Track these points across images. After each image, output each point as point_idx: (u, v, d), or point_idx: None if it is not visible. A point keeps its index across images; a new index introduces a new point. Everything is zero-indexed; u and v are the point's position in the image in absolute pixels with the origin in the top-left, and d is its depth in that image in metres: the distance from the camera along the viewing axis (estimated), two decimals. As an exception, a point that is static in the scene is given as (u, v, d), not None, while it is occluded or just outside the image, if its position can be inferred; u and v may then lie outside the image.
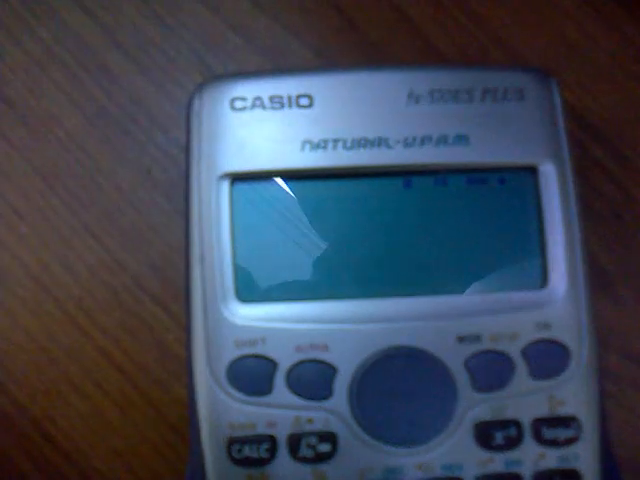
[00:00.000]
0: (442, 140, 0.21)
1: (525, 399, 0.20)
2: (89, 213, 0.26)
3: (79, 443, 0.25)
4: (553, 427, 0.20)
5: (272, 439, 0.20)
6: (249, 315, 0.20)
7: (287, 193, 0.21)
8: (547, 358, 0.21)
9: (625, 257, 0.25)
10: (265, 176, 0.21)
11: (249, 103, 0.21)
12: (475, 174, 0.22)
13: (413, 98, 0.21)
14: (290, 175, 0.21)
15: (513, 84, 0.22)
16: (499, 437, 0.20)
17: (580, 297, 0.21)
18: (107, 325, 0.25)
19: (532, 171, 0.21)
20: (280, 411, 0.20)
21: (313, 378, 0.20)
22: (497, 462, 0.20)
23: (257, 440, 0.20)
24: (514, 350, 0.20)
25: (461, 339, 0.20)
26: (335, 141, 0.21)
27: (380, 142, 0.21)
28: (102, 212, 0.26)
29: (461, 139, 0.21)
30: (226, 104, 0.21)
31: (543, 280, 0.21)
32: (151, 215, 0.26)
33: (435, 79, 0.22)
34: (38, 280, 0.25)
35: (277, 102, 0.21)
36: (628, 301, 0.25)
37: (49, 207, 0.26)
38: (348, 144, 0.21)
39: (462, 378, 0.20)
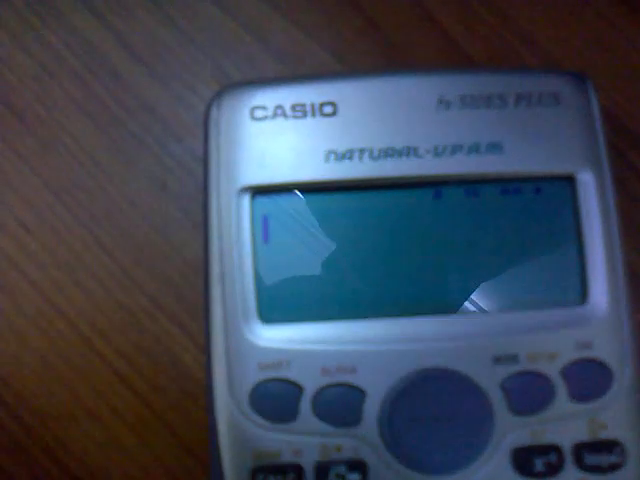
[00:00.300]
0: (474, 148, 0.20)
1: (565, 423, 0.19)
2: (101, 228, 0.25)
3: (92, 469, 0.24)
4: (595, 452, 0.19)
5: (298, 468, 0.19)
6: (272, 337, 0.20)
7: (311, 207, 0.20)
8: (588, 379, 0.20)
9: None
10: (288, 189, 0.20)
11: (270, 112, 0.20)
12: (509, 184, 0.21)
13: (443, 104, 0.21)
14: (314, 188, 0.20)
15: (548, 88, 0.21)
16: (539, 463, 0.19)
17: (622, 313, 0.20)
18: (121, 345, 0.24)
19: (570, 180, 0.21)
20: (306, 438, 0.19)
21: (341, 403, 0.19)
22: None
23: (282, 469, 0.19)
24: (553, 371, 0.19)
25: (497, 360, 0.20)
26: (361, 151, 0.20)
27: (409, 151, 0.20)
28: (115, 226, 0.25)
29: (494, 147, 0.20)
30: (246, 113, 0.20)
31: (583, 296, 0.20)
32: (167, 229, 0.25)
33: (466, 84, 0.21)
34: (48, 299, 0.25)
35: (299, 111, 0.20)
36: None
37: (59, 221, 0.25)
38: (375, 154, 0.20)
39: (498, 401, 0.19)
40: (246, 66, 0.25)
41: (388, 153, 0.20)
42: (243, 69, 0.25)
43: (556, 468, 0.19)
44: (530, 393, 0.19)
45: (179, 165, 0.25)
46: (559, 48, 0.26)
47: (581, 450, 0.19)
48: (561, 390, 0.19)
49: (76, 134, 0.25)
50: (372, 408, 0.19)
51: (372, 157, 0.20)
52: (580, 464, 0.19)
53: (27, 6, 0.26)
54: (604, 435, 0.19)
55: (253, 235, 0.20)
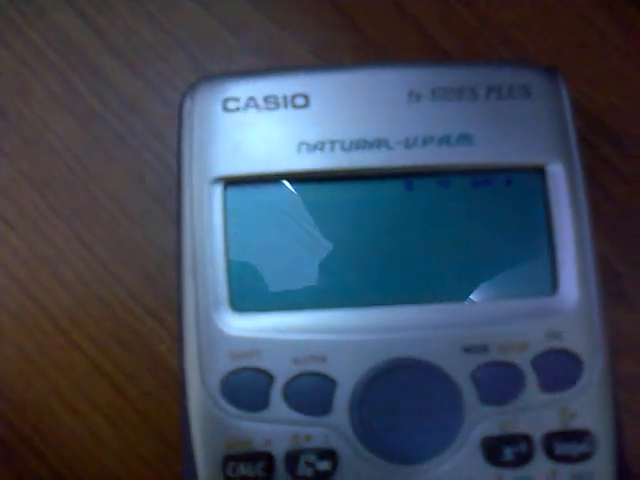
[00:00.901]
0: (445, 140, 0.21)
1: (535, 412, 0.19)
2: (81, 222, 0.25)
3: (69, 459, 0.24)
4: (566, 442, 0.19)
5: (269, 457, 0.19)
6: (244, 326, 0.20)
7: (283, 197, 0.21)
8: (558, 369, 0.20)
9: (636, 258, 0.24)
10: (260, 180, 0.21)
11: (242, 103, 0.21)
12: (480, 175, 0.21)
13: (414, 96, 0.21)
14: (286, 178, 0.21)
15: (519, 81, 0.21)
16: (508, 453, 0.19)
17: (593, 303, 0.20)
18: (98, 337, 0.24)
19: (540, 172, 0.21)
20: (277, 427, 0.19)
21: (312, 392, 0.19)
22: (507, 479, 0.19)
23: (253, 458, 0.19)
24: (523, 361, 0.20)
25: (467, 350, 0.20)
26: (333, 142, 0.20)
27: (380, 143, 0.20)
28: (95, 221, 0.25)
29: (465, 139, 0.21)
30: (218, 105, 0.21)
31: (553, 286, 0.20)
32: (145, 223, 0.25)
33: (436, 76, 0.21)
34: (28, 291, 0.25)
35: (272, 102, 0.21)
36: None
37: (40, 216, 0.25)
38: (346, 145, 0.20)
39: (469, 391, 0.19)
40: (224, 61, 0.26)
41: (359, 145, 0.20)
42: (221, 63, 0.26)
43: (526, 457, 0.19)
44: (500, 383, 0.19)
45: (158, 160, 0.25)
46: (536, 44, 0.26)
47: (551, 440, 0.19)
48: (531, 380, 0.19)
49: (57, 129, 0.26)
50: (342, 397, 0.19)
51: (344, 148, 0.20)
52: (550, 454, 0.19)
53: (9, 2, 0.26)
54: (574, 425, 0.19)
55: (225, 225, 0.20)
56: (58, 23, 0.26)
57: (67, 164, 0.25)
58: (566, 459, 0.19)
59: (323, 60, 0.26)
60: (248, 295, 0.20)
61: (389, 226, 0.21)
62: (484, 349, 0.20)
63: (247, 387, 0.19)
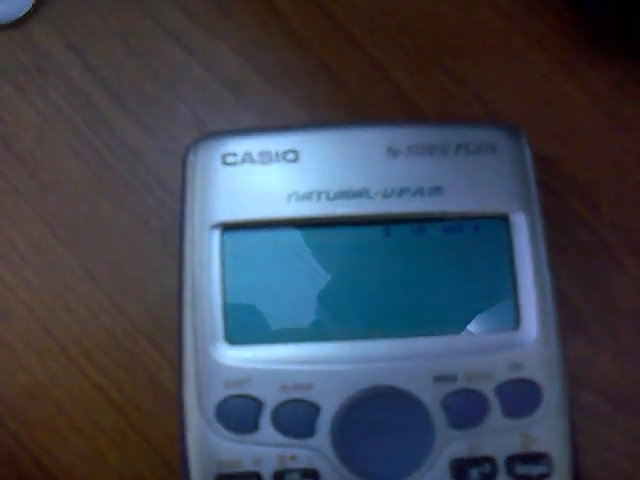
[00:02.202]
0: (419, 191, 0.22)
1: (499, 436, 0.21)
2: (90, 259, 0.27)
3: (76, 477, 0.26)
4: (526, 464, 0.21)
5: (257, 476, 0.21)
6: (237, 357, 0.21)
7: (274, 241, 0.22)
8: (520, 397, 0.21)
9: (596, 297, 0.26)
10: (254, 225, 0.22)
11: (239, 158, 0.23)
12: (450, 222, 0.23)
13: (392, 152, 0.23)
14: (277, 224, 0.22)
15: (485, 139, 0.23)
16: (474, 473, 0.21)
17: (551, 338, 0.22)
18: (104, 364, 0.26)
19: (504, 220, 0.22)
20: (265, 449, 0.21)
21: (297, 417, 0.21)
22: None
23: (243, 477, 0.21)
24: (488, 389, 0.21)
25: (438, 378, 0.21)
26: (319, 193, 0.22)
27: (361, 193, 0.22)
28: (103, 258, 0.27)
29: (437, 190, 0.22)
30: (218, 159, 0.23)
31: (515, 322, 0.22)
32: (149, 261, 0.27)
33: (412, 135, 0.23)
34: (41, 322, 0.27)
35: (265, 157, 0.23)
36: (600, 339, 0.26)
37: (53, 253, 0.27)
38: (331, 195, 0.22)
39: (439, 416, 0.21)
40: (222, 117, 0.28)
41: (343, 194, 0.22)
42: (219, 120, 0.28)
43: (490, 477, 0.21)
44: (467, 409, 0.21)
45: (161, 204, 0.27)
46: (505, 103, 0.28)
47: (513, 461, 0.21)
48: (495, 407, 0.21)
49: (71, 176, 0.28)
50: (325, 421, 0.21)
51: (329, 198, 0.22)
52: (512, 474, 0.21)
53: (32, 62, 0.28)
54: (533, 448, 0.21)
55: (222, 265, 0.22)
56: (75, 82, 0.28)
57: (79, 206, 0.27)
58: (526, 479, 0.21)
59: (312, 115, 0.28)
60: (241, 329, 0.22)
61: (369, 268, 0.23)
62: (453, 378, 0.21)
63: (239, 412, 0.21)
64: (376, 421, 0.21)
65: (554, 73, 0.28)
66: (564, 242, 0.27)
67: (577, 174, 0.28)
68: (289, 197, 0.22)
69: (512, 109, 0.28)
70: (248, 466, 0.21)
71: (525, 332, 0.22)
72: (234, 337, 0.22)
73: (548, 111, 0.28)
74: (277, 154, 0.23)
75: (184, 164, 0.23)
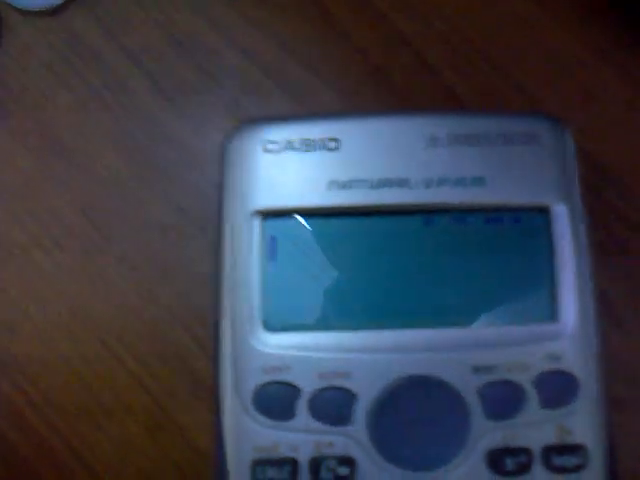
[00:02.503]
0: (460, 181, 0.22)
1: (535, 428, 0.21)
2: (126, 245, 0.27)
3: (108, 464, 0.26)
4: (561, 455, 0.21)
5: (294, 462, 0.21)
6: (275, 344, 0.21)
7: (314, 229, 0.22)
8: (557, 388, 0.21)
9: (632, 292, 0.26)
10: (294, 213, 0.22)
11: (281, 145, 0.23)
12: (491, 214, 0.22)
13: (433, 141, 0.23)
14: (317, 213, 0.22)
15: (528, 130, 0.23)
16: (510, 463, 0.21)
17: (590, 330, 0.22)
18: (140, 352, 0.26)
19: (545, 211, 0.22)
20: (302, 435, 0.21)
21: (334, 404, 0.21)
22: None
23: (280, 462, 0.21)
24: (525, 380, 0.21)
25: (476, 369, 0.21)
26: (360, 181, 0.22)
27: (402, 182, 0.22)
28: (138, 245, 0.27)
29: (478, 181, 0.22)
30: (259, 146, 0.23)
31: (554, 314, 0.22)
32: (184, 248, 0.27)
33: (453, 124, 0.23)
34: (75, 308, 0.27)
35: (307, 145, 0.23)
36: (635, 332, 0.26)
37: (88, 239, 0.27)
38: (372, 184, 0.22)
39: (475, 406, 0.21)
40: (261, 104, 0.28)
41: (384, 183, 0.22)
42: (258, 106, 0.28)
43: (525, 468, 0.21)
44: (504, 400, 0.21)
45: (198, 191, 0.27)
46: (545, 94, 0.28)
47: (548, 452, 0.21)
48: (532, 398, 0.21)
49: (107, 162, 0.28)
50: (362, 409, 0.21)
51: (369, 187, 0.22)
52: (548, 465, 0.21)
53: (70, 50, 0.29)
54: (569, 439, 0.21)
55: (262, 253, 0.22)
56: (114, 68, 0.28)
57: (114, 193, 0.27)
58: (561, 470, 0.21)
59: (351, 104, 0.27)
60: (280, 316, 0.22)
61: (409, 257, 0.22)
62: (491, 369, 0.21)
63: (276, 399, 0.21)
64: (412, 410, 0.21)
65: (596, 63, 0.28)
66: (601, 236, 0.27)
67: (614, 166, 0.27)
68: (329, 185, 0.22)
69: (552, 99, 0.28)
70: (285, 452, 0.21)
71: (564, 324, 0.22)
72: (272, 324, 0.22)
73: (589, 102, 0.28)
74: (318, 142, 0.23)
75: (223, 150, 0.23)
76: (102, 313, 0.27)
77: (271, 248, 0.22)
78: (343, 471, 0.21)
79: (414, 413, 0.21)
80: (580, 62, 0.28)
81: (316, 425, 0.21)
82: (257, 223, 0.22)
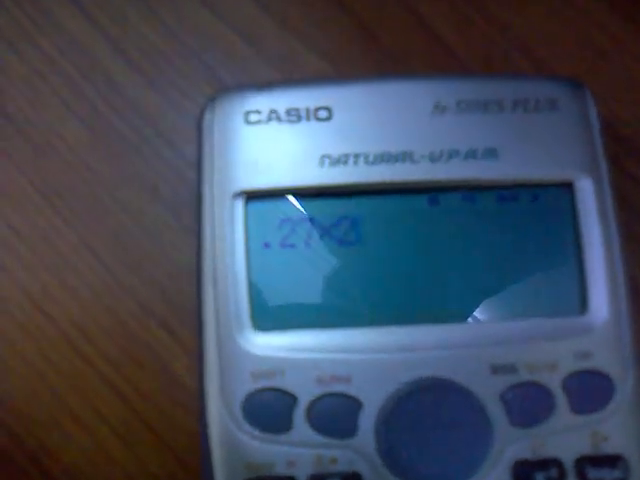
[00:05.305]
0: (470, 154, 0.20)
1: (566, 435, 0.19)
2: (92, 233, 0.25)
3: (78, 477, 0.23)
4: (598, 467, 0.19)
5: None
6: (266, 344, 0.19)
7: (305, 212, 0.20)
8: (589, 390, 0.19)
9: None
10: (282, 194, 0.20)
11: (264, 116, 0.21)
12: (506, 191, 0.21)
13: (439, 109, 0.21)
14: (308, 193, 0.20)
15: (545, 95, 0.21)
16: (539, 478, 0.19)
17: (623, 323, 0.20)
18: (110, 352, 0.24)
19: (568, 187, 0.20)
20: (300, 450, 0.19)
21: (336, 414, 0.19)
22: None
23: None
24: (553, 382, 0.19)
25: (495, 370, 0.19)
26: (356, 156, 0.20)
27: (404, 157, 0.20)
28: (106, 232, 0.25)
29: (490, 153, 0.20)
30: (240, 118, 0.21)
31: (582, 305, 0.20)
32: (158, 235, 0.25)
33: (462, 89, 0.21)
34: (37, 304, 0.24)
35: (294, 115, 0.21)
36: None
37: (50, 227, 0.25)
38: (370, 159, 0.20)
39: (498, 413, 0.19)
40: (239, 71, 0.25)
41: (383, 158, 0.20)
42: (236, 74, 0.25)
43: None
44: (530, 405, 0.19)
45: (172, 170, 0.25)
46: (553, 55, 0.26)
47: (583, 464, 0.19)
48: (561, 402, 0.19)
49: (68, 138, 0.25)
50: (368, 419, 0.19)
51: (367, 162, 0.20)
52: (582, 478, 0.19)
53: (22, 12, 0.26)
54: (606, 448, 0.19)
55: (247, 240, 0.20)
56: (70, 31, 0.26)
57: (78, 174, 0.25)
58: None
59: (340, 70, 0.25)
60: (270, 313, 0.20)
61: (413, 243, 0.21)
62: (513, 369, 0.19)
63: (269, 408, 0.19)
64: (425, 418, 0.19)
65: (607, 19, 0.26)
66: (623, 213, 0.24)
67: (636, 135, 0.25)
68: (321, 161, 0.20)
69: (560, 61, 0.26)
70: (281, 470, 0.19)
71: (593, 316, 0.20)
72: (262, 322, 0.20)
73: (600, 63, 0.26)
74: (307, 111, 0.21)
75: (200, 124, 0.21)
76: (68, 310, 0.24)
77: (257, 234, 0.20)
78: None
79: (427, 422, 0.19)
80: (594, 21, 0.26)
81: (316, 438, 0.19)
82: (240, 205, 0.20)
